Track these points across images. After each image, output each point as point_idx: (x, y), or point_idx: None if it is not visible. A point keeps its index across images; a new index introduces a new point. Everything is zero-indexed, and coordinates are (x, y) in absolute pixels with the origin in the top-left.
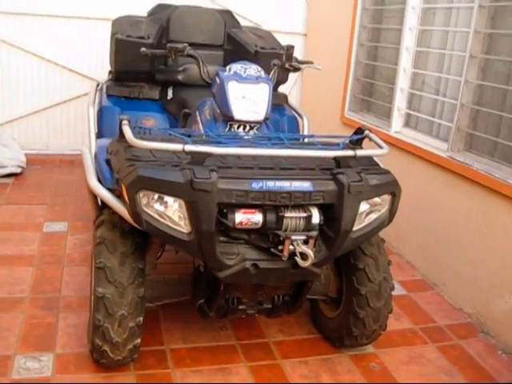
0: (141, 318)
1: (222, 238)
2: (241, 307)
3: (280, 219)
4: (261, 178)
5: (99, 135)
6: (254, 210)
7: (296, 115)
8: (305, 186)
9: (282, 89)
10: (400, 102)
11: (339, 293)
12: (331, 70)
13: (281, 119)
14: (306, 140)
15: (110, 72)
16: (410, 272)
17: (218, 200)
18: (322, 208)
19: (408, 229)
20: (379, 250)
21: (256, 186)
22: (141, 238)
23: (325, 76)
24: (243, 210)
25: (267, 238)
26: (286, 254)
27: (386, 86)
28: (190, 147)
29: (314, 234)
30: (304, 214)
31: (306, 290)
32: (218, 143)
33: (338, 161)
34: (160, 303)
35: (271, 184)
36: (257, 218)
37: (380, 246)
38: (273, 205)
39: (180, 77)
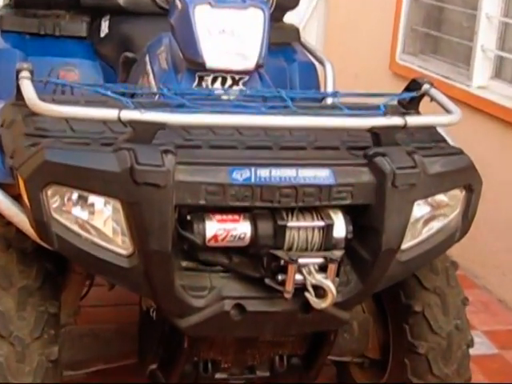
0: None
1: (184, 264)
2: (219, 376)
3: (280, 231)
4: (248, 163)
5: None
6: (236, 217)
7: (313, 61)
8: (321, 175)
9: (290, 18)
10: (486, 38)
11: (383, 351)
12: None
13: (288, 67)
14: (325, 101)
15: None
16: (505, 317)
17: (177, 201)
18: (351, 213)
19: (500, 245)
20: (448, 280)
21: (240, 176)
22: (52, 264)
23: None
24: (219, 217)
25: (259, 262)
26: (290, 288)
27: (464, 11)
28: (130, 114)
29: (338, 254)
30: (320, 223)
31: (327, 348)
32: (178, 107)
33: (376, 134)
34: (89, 371)
35: (265, 173)
36: (241, 229)
37: (449, 273)
38: (268, 208)
39: (121, 0)
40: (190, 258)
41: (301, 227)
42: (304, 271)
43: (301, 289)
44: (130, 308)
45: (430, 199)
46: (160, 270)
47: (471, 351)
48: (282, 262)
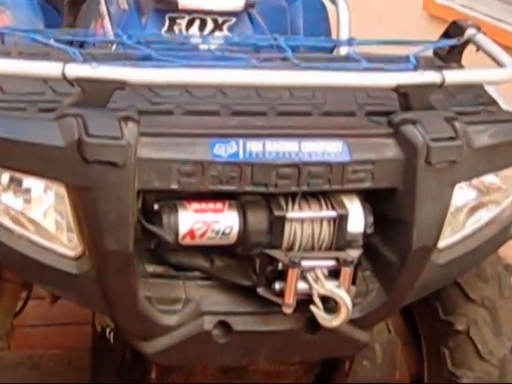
0: None
1: (151, 268)
2: None
3: (277, 225)
4: (235, 134)
5: None
6: (219, 206)
7: None
8: (332, 150)
9: None
10: None
11: (416, 381)
12: None
13: (289, 7)
14: (337, 51)
15: None
16: None
17: (141, 185)
18: (371, 200)
19: None
20: (500, 289)
21: (223, 151)
22: None
23: None
24: (196, 206)
25: (250, 265)
26: (290, 300)
27: None
28: (78, 69)
29: (354, 255)
30: (330, 213)
31: (341, 379)
32: (142, 60)
33: (405, 95)
34: None
35: (257, 147)
36: (226, 221)
37: (502, 280)
38: (262, 193)
39: None
40: (158, 260)
41: (305, 219)
42: (309, 278)
43: (305, 301)
44: (80, 328)
45: (475, 181)
46: (118, 277)
47: None
48: (281, 266)
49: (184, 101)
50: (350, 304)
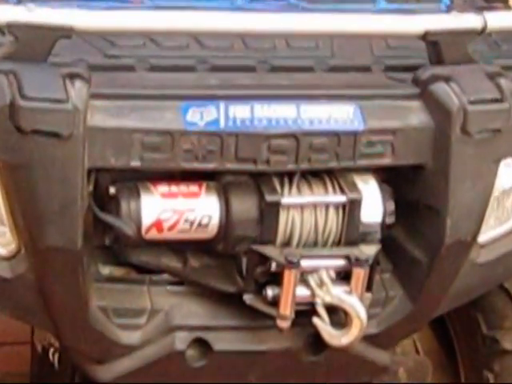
0: None
1: (106, 270)
2: None
3: (270, 213)
4: (215, 95)
5: None
6: (195, 189)
7: None
8: (341, 116)
9: None
10: None
11: None
12: None
13: None
14: None
15: None
16: None
17: (93, 162)
18: (392, 180)
19: None
20: None
21: (200, 117)
22: None
23: None
24: (164, 189)
25: (234, 266)
26: (287, 310)
27: None
28: (9, 11)
29: (370, 253)
30: (339, 198)
31: None
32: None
33: (435, 45)
34: None
35: (244, 112)
36: (204, 209)
37: None
38: (250, 173)
39: None
40: (115, 260)
41: (305, 206)
42: (311, 281)
43: (306, 312)
44: (16, 349)
45: None
46: (63, 282)
47: None
48: (274, 267)
49: (149, 53)
50: (364, 316)
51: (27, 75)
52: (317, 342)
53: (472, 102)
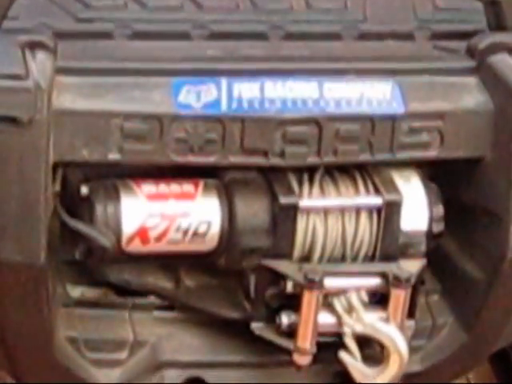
0: None
1: (77, 292)
2: None
3: (285, 219)
4: (215, 69)
5: None
6: (189, 188)
7: None
8: (375, 95)
9: None
10: None
11: None
12: None
13: None
14: None
15: None
16: None
17: (59, 154)
18: (441, 178)
19: None
20: None
21: (195, 98)
22: None
23: None
24: (151, 189)
25: (239, 286)
26: (307, 343)
27: None
28: None
29: (412, 270)
30: (373, 199)
31: None
32: None
33: (495, 4)
34: None
35: (251, 91)
36: (200, 214)
37: None
38: (259, 168)
39: None
40: (89, 279)
41: (330, 209)
42: (338, 306)
43: (331, 345)
44: None
45: None
46: (22, 306)
47: None
48: (290, 287)
49: (131, 16)
50: (404, 349)
51: None
52: (345, 383)
53: None
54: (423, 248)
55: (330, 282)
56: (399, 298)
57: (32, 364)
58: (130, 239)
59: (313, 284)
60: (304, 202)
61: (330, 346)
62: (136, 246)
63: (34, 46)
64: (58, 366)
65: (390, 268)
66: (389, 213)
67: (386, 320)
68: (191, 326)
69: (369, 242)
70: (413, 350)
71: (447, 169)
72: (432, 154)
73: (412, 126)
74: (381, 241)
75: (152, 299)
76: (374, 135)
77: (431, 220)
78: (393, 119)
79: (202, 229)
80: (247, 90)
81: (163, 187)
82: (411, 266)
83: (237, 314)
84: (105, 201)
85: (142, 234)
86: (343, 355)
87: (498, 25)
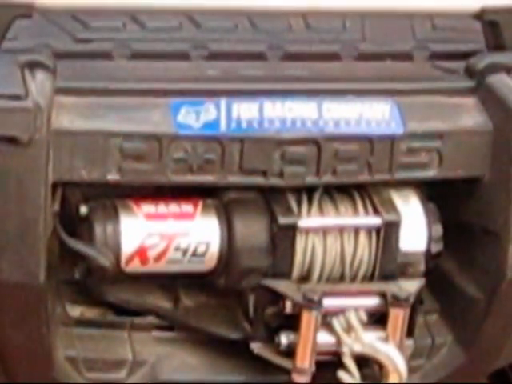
0: None
1: (76, 311)
2: None
3: (284, 239)
4: (214, 90)
5: None
6: (188, 208)
7: None
8: (374, 116)
9: None
10: None
11: None
12: None
13: None
14: None
15: None
16: None
17: (58, 174)
18: (439, 198)
19: None
20: None
21: (194, 118)
22: None
23: None
24: (150, 209)
25: (239, 306)
26: (305, 363)
27: None
28: None
29: (411, 289)
30: (372, 220)
31: None
32: None
33: (493, 25)
34: None
35: (250, 111)
36: (199, 234)
37: None
38: (259, 188)
39: None
40: (88, 298)
41: (329, 229)
42: (337, 326)
43: (330, 364)
44: None
45: None
46: (22, 325)
47: None
48: (290, 307)
49: (130, 36)
50: (403, 369)
51: None
52: None
53: None
54: (422, 268)
55: (329, 302)
56: (398, 317)
57: (31, 383)
58: (130, 259)
59: (312, 304)
60: (303, 222)
61: (328, 365)
62: (135, 266)
63: (33, 65)
64: None
65: (389, 288)
66: (388, 233)
67: (385, 340)
68: (190, 346)
69: (368, 262)
70: (412, 369)
71: (446, 188)
72: (431, 173)
73: (411, 146)
74: (380, 260)
75: (151, 319)
76: (373, 155)
77: (430, 240)
78: (392, 139)
79: (201, 248)
80: (246, 110)
81: (162, 207)
82: (410, 286)
83: (236, 333)
84: (104, 220)
85: (141, 253)
86: (342, 375)
87: (496, 45)
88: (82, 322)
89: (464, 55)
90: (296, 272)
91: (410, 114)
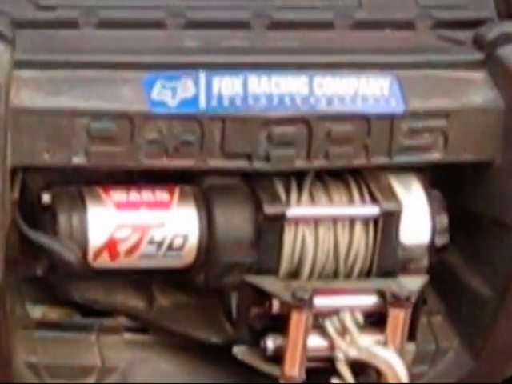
0: None
1: (37, 312)
2: None
3: (271, 230)
4: (191, 62)
5: None
6: (164, 196)
7: None
8: (371, 92)
9: None
10: None
11: None
12: None
13: None
14: None
15: None
16: None
17: (18, 158)
18: (445, 185)
19: None
20: None
21: (169, 95)
22: None
23: None
24: (120, 197)
25: (220, 306)
26: (294, 370)
27: None
28: None
29: (412, 287)
30: (369, 209)
31: None
32: None
33: None
34: None
35: (232, 87)
36: (175, 225)
37: None
38: (242, 173)
39: None
40: (50, 297)
41: (321, 219)
42: (329, 328)
43: (323, 371)
44: None
45: None
46: None
47: None
48: (277, 306)
49: (98, 2)
50: (404, 376)
51: None
52: None
53: None
54: (425, 263)
55: (321, 301)
56: (398, 318)
57: None
58: (98, 253)
59: (302, 303)
60: (292, 212)
61: (320, 372)
62: (104, 261)
63: None
64: None
65: (388, 285)
66: (387, 223)
67: (384, 343)
68: (166, 351)
69: (364, 256)
70: (414, 377)
71: (452, 174)
72: (435, 157)
73: (412, 127)
74: (378, 255)
75: (122, 320)
76: (370, 137)
77: (434, 231)
78: (391, 119)
79: (177, 242)
80: (228, 86)
81: (134, 195)
82: (412, 283)
83: (217, 336)
84: (69, 210)
85: (111, 247)
86: (336, 382)
87: (508, 13)
88: (44, 324)
89: (472, 24)
90: (284, 268)
91: (412, 90)
